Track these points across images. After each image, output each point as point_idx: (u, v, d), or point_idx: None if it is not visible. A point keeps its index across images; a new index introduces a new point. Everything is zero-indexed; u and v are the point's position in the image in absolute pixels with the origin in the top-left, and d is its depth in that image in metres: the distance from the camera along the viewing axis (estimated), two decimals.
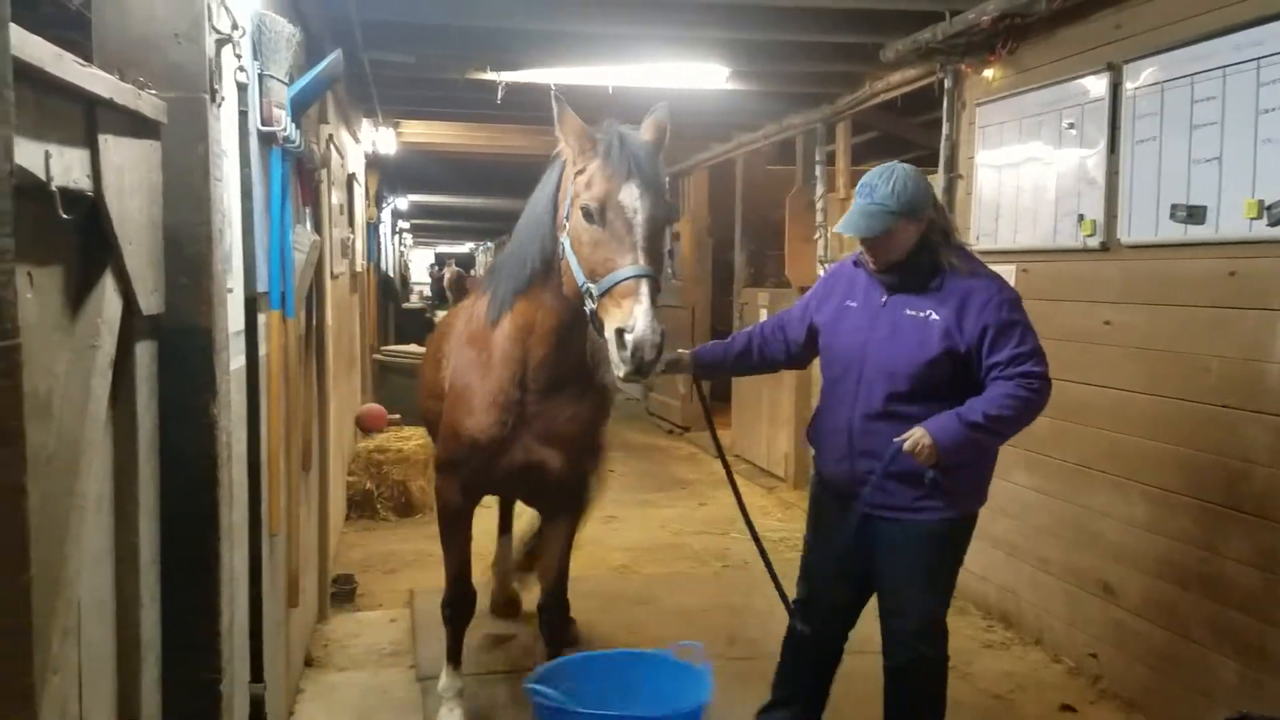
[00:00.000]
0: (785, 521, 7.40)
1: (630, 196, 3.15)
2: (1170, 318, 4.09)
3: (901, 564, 3.35)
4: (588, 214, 3.18)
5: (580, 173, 3.29)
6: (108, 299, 2.05)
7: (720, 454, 4.06)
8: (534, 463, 3.73)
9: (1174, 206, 4.01)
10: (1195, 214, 3.90)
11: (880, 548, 3.38)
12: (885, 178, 3.21)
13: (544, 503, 4.17)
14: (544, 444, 3.70)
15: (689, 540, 6.95)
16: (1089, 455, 4.56)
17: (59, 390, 1.89)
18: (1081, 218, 4.56)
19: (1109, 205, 4.41)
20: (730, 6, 5.39)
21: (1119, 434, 4.37)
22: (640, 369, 3.00)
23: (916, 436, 3.14)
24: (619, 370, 3.06)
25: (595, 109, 7.70)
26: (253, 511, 3.05)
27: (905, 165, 3.28)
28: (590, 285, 3.16)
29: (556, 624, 4.09)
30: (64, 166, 1.81)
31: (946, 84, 5.74)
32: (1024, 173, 5.03)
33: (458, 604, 4.13)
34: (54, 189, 1.76)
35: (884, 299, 3.32)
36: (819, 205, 7.79)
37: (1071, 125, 4.66)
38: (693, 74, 6.58)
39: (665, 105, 3.52)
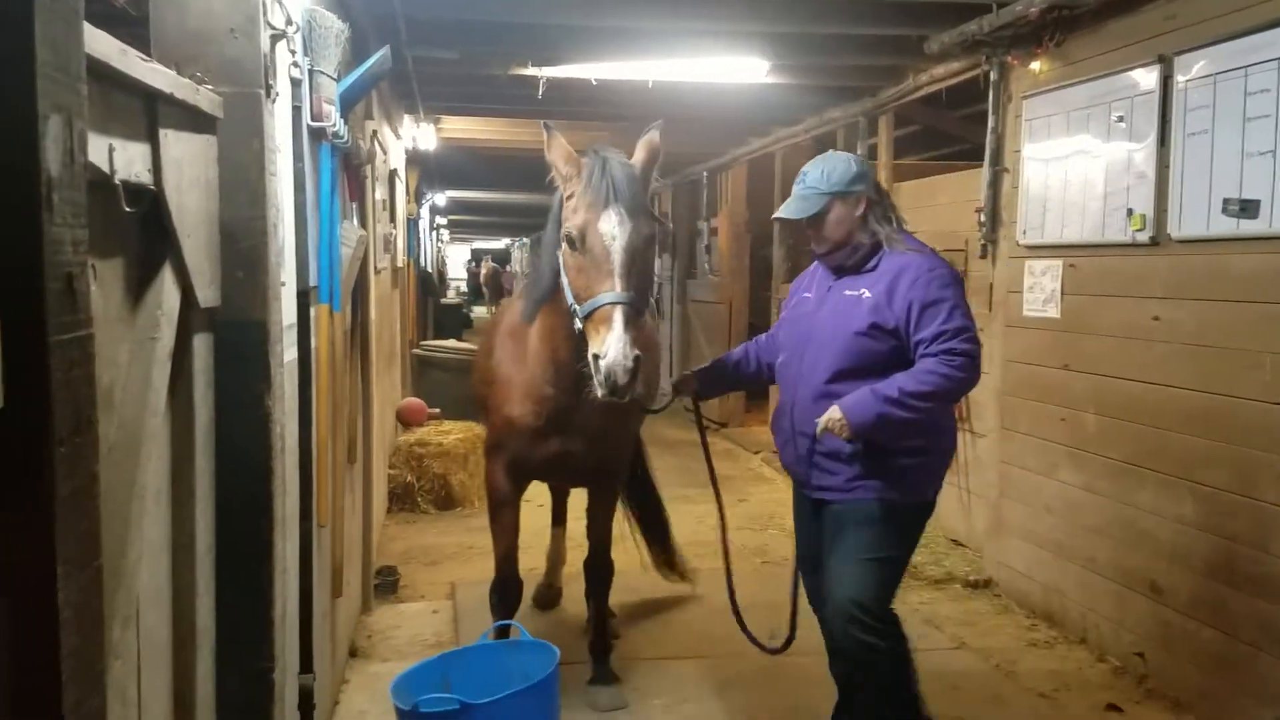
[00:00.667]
0: None
1: (608, 224, 3.30)
2: (1222, 314, 4.02)
3: (837, 544, 3.35)
4: (570, 240, 3.38)
5: (569, 198, 3.47)
6: (167, 291, 2.08)
7: (709, 463, 4.27)
8: (569, 452, 3.98)
9: (1226, 201, 3.95)
10: (1248, 208, 3.84)
11: (824, 530, 3.42)
12: (817, 164, 3.42)
13: (583, 485, 4.54)
14: (576, 436, 3.94)
15: (729, 535, 6.93)
16: (1138, 453, 4.50)
17: (120, 381, 1.92)
18: (1130, 212, 4.50)
19: (1159, 199, 4.35)
20: (772, 0, 5.37)
21: (1168, 431, 4.31)
22: (614, 392, 3.19)
23: (829, 411, 3.20)
24: (598, 392, 3.25)
25: (635, 104, 7.74)
26: (303, 503, 3.09)
27: (840, 152, 3.48)
28: (576, 307, 3.38)
29: (601, 575, 4.47)
30: (126, 160, 1.84)
31: (992, 76, 5.68)
32: (1071, 166, 4.97)
33: (503, 588, 4.26)
34: (117, 182, 1.79)
35: (830, 284, 3.44)
36: None
37: (1121, 118, 4.60)
38: (732, 68, 6.56)
39: (660, 124, 3.64)
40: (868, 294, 3.27)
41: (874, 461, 3.24)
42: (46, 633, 1.13)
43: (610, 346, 3.16)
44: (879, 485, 3.27)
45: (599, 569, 4.48)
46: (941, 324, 3.14)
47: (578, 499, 4.96)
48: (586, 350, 3.29)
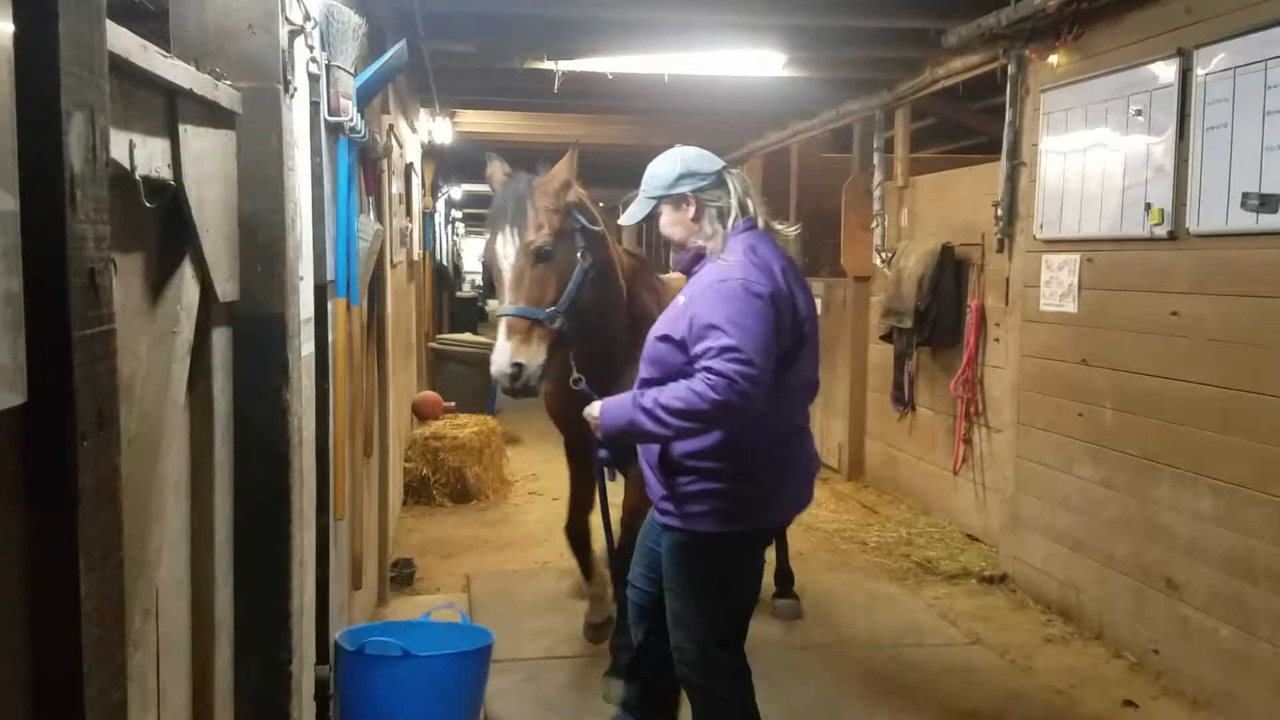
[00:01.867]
0: (838, 513, 7.36)
1: (498, 246, 3.72)
2: (1241, 308, 4.00)
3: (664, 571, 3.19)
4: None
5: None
6: (186, 285, 2.10)
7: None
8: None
9: (1245, 195, 3.92)
10: (1268, 202, 3.81)
11: None
12: (652, 164, 3.23)
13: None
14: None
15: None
16: (1156, 448, 4.48)
17: (140, 374, 1.94)
18: (1149, 206, 4.48)
19: (1178, 193, 4.32)
20: None
21: (1187, 426, 4.29)
22: (509, 392, 3.70)
23: (588, 408, 3.13)
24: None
25: (651, 97, 7.74)
26: (321, 495, 3.11)
27: (677, 150, 3.21)
28: None
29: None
30: (147, 155, 1.85)
31: (1010, 70, 5.66)
32: (1090, 160, 4.94)
33: (569, 532, 4.70)
34: (138, 178, 1.80)
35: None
36: (876, 193, 7.72)
37: (1139, 112, 4.57)
38: (749, 61, 6.54)
39: (576, 147, 3.85)
40: (682, 301, 3.07)
41: (668, 482, 3.04)
42: (69, 623, 1.14)
43: (494, 353, 3.63)
44: (672, 510, 3.06)
45: (628, 550, 4.40)
46: (709, 341, 2.84)
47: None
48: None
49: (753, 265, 2.95)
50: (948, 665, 4.64)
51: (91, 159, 1.20)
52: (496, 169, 3.92)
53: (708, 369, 2.81)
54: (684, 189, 3.11)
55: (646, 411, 2.89)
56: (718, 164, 3.18)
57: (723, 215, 3.10)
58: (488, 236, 3.77)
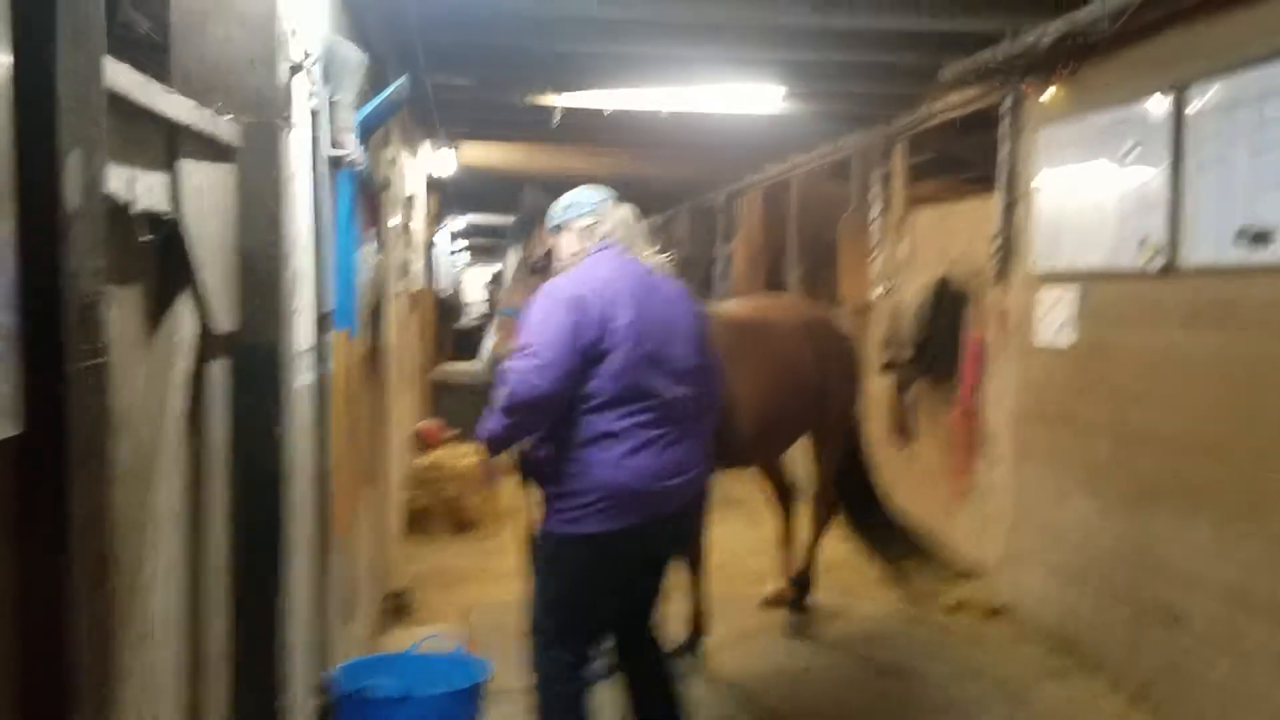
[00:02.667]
0: (840, 542, 7.32)
1: (507, 257, 4.22)
2: (1237, 341, 4.02)
3: None
4: None
5: None
6: (184, 317, 2.13)
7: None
8: None
9: (1240, 229, 3.95)
10: (1262, 237, 3.84)
11: None
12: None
13: None
14: None
15: (745, 560, 6.92)
16: (1153, 480, 4.48)
17: (137, 405, 1.96)
18: (1144, 240, 4.50)
19: (1172, 228, 4.35)
20: (785, 28, 5.41)
21: (1183, 459, 4.30)
22: (487, 383, 3.83)
23: None
24: None
25: (651, 130, 7.80)
26: (317, 525, 3.11)
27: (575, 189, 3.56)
28: None
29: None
30: (146, 189, 1.88)
31: (1006, 105, 5.71)
32: (1085, 194, 4.98)
33: None
34: (137, 212, 1.83)
35: None
36: (875, 226, 7.76)
37: (1134, 146, 4.61)
38: (749, 95, 6.60)
39: (533, 188, 4.32)
40: None
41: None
42: (58, 652, 1.15)
43: (481, 347, 4.15)
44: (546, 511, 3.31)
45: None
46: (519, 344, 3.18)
47: None
48: None
49: (575, 276, 3.24)
50: (948, 698, 4.62)
51: (88, 195, 1.23)
52: (527, 194, 4.33)
53: (508, 367, 3.14)
54: (565, 218, 3.49)
55: (490, 408, 3.18)
56: (598, 197, 3.48)
57: (591, 239, 3.41)
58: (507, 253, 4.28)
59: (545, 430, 3.16)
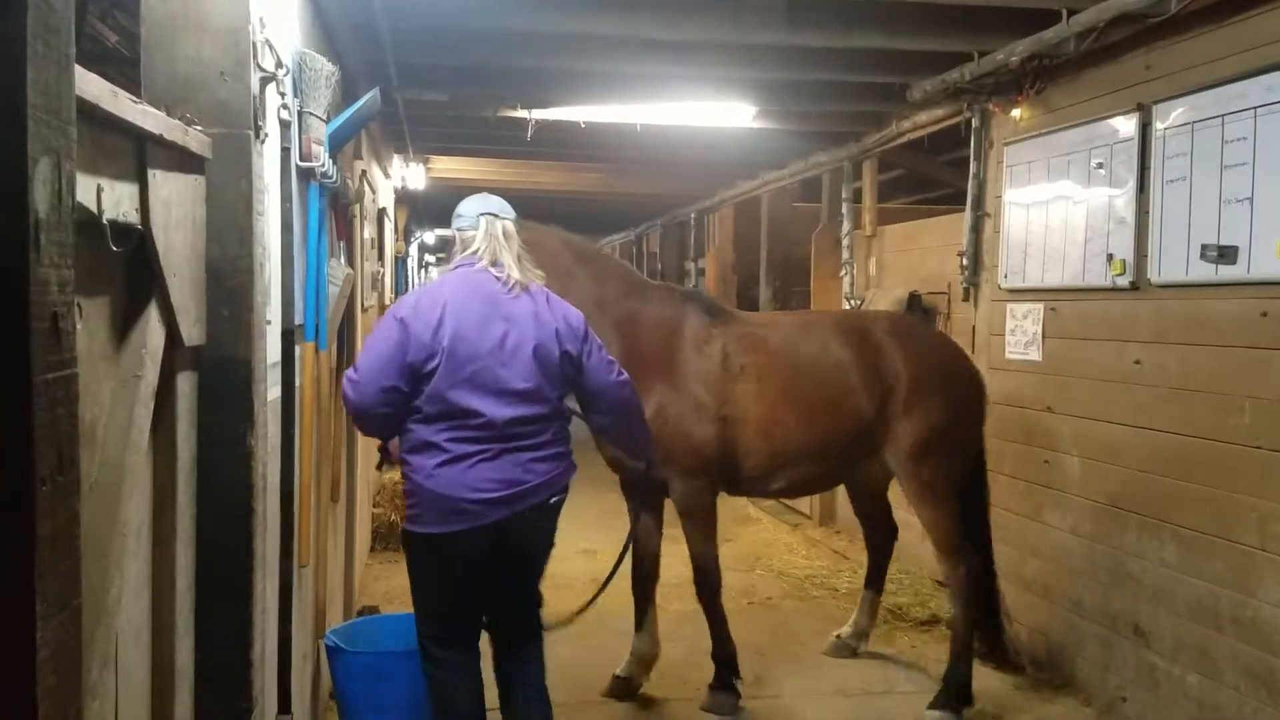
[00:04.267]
0: (810, 559, 7.36)
1: None
2: (1202, 358, 4.06)
3: None
4: None
5: None
6: (152, 330, 2.09)
7: None
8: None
9: (1205, 246, 4.00)
10: (1226, 254, 3.89)
11: None
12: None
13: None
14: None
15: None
16: (1121, 496, 4.52)
17: (103, 419, 1.92)
18: (1111, 257, 4.56)
19: (1139, 245, 4.41)
20: (757, 47, 5.44)
21: (1151, 474, 4.34)
22: None
23: None
24: None
25: (623, 146, 7.81)
26: (285, 542, 3.07)
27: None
28: None
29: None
30: (115, 200, 1.85)
31: (974, 124, 5.76)
32: (1052, 212, 5.03)
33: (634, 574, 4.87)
34: (105, 222, 1.80)
35: None
36: (845, 242, 7.81)
37: (1100, 165, 4.67)
38: (720, 113, 6.63)
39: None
40: None
41: None
42: (24, 672, 1.12)
43: None
44: None
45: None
46: None
47: None
48: None
49: (418, 294, 3.41)
50: (918, 714, 4.62)
51: (57, 204, 1.21)
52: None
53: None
54: (454, 226, 3.59)
55: None
56: (477, 209, 3.54)
57: (462, 250, 3.52)
58: None
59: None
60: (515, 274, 3.42)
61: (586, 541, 6.96)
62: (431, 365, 3.21)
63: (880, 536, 5.47)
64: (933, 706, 4.52)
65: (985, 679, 5.01)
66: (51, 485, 1.17)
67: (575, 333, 3.45)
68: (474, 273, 3.42)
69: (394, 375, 3.21)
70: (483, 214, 3.52)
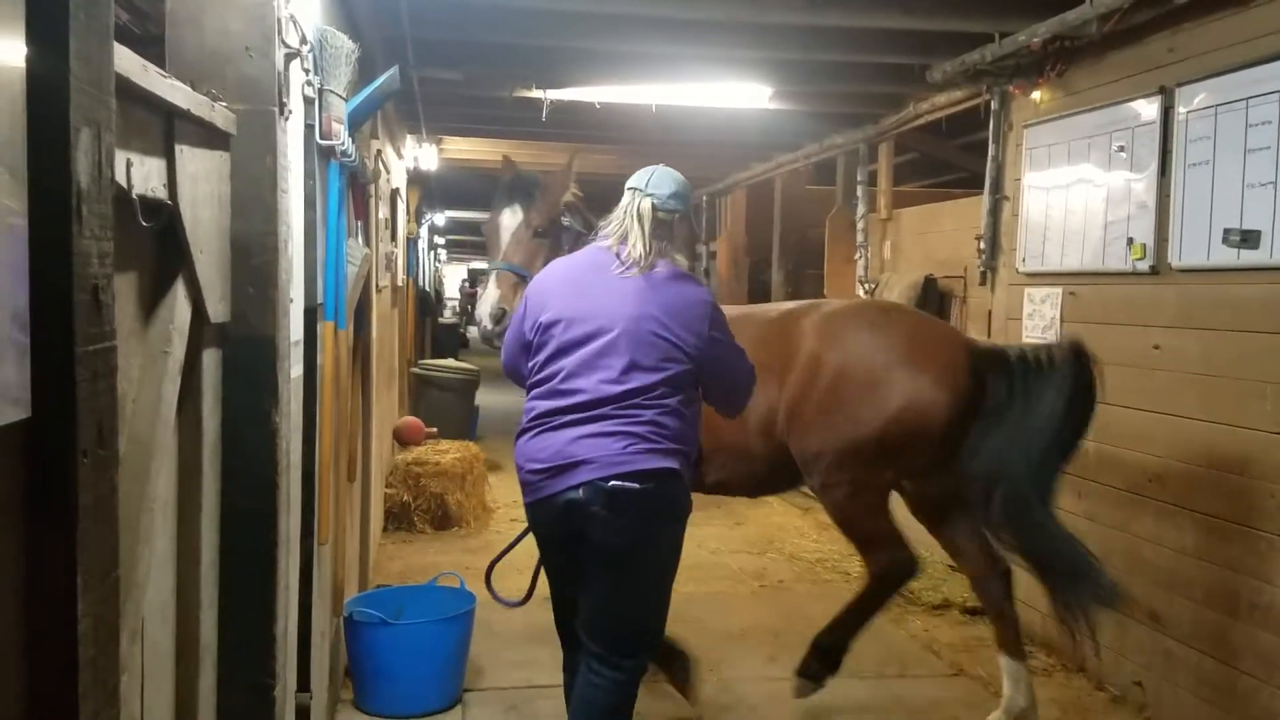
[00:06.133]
0: (821, 543, 7.35)
1: (503, 218, 4.52)
2: (1224, 343, 4.04)
3: None
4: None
5: None
6: (179, 306, 2.09)
7: None
8: None
9: (1227, 231, 3.97)
10: (1249, 238, 3.87)
11: None
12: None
13: None
14: None
15: (726, 559, 6.93)
16: (1139, 481, 4.51)
17: (132, 394, 1.92)
18: (1131, 241, 4.53)
19: (1160, 229, 4.38)
20: (775, 27, 5.41)
21: (1169, 460, 4.32)
22: (484, 337, 4.46)
23: None
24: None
25: (638, 127, 7.78)
26: (306, 519, 3.08)
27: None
28: None
29: None
30: (144, 175, 1.85)
31: (994, 106, 5.73)
32: (1072, 195, 5.00)
33: None
34: (134, 197, 1.80)
35: None
36: (860, 225, 7.78)
37: (1122, 148, 4.64)
38: (736, 94, 6.60)
39: (580, 149, 4.87)
40: None
41: None
42: (66, 643, 1.13)
43: (480, 301, 4.52)
44: None
45: None
46: None
47: None
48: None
49: (548, 267, 3.53)
50: (931, 697, 4.63)
51: (97, 175, 1.20)
52: (510, 164, 4.77)
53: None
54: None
55: None
56: (631, 182, 3.40)
57: (606, 224, 3.44)
58: (492, 212, 4.56)
59: None
60: (639, 253, 3.23)
61: None
62: (535, 337, 3.25)
63: (984, 578, 4.39)
64: (799, 673, 4.33)
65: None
66: (93, 458, 1.18)
67: (685, 319, 3.19)
68: (597, 249, 3.35)
69: (520, 344, 3.34)
70: (630, 187, 3.37)
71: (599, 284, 3.23)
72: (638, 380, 3.12)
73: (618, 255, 3.26)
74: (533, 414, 3.21)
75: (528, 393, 3.29)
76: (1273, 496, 3.78)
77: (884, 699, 4.63)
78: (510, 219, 4.49)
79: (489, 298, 4.41)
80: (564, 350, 3.18)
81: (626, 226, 3.30)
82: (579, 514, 3.09)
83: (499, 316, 4.33)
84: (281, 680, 2.65)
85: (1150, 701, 4.40)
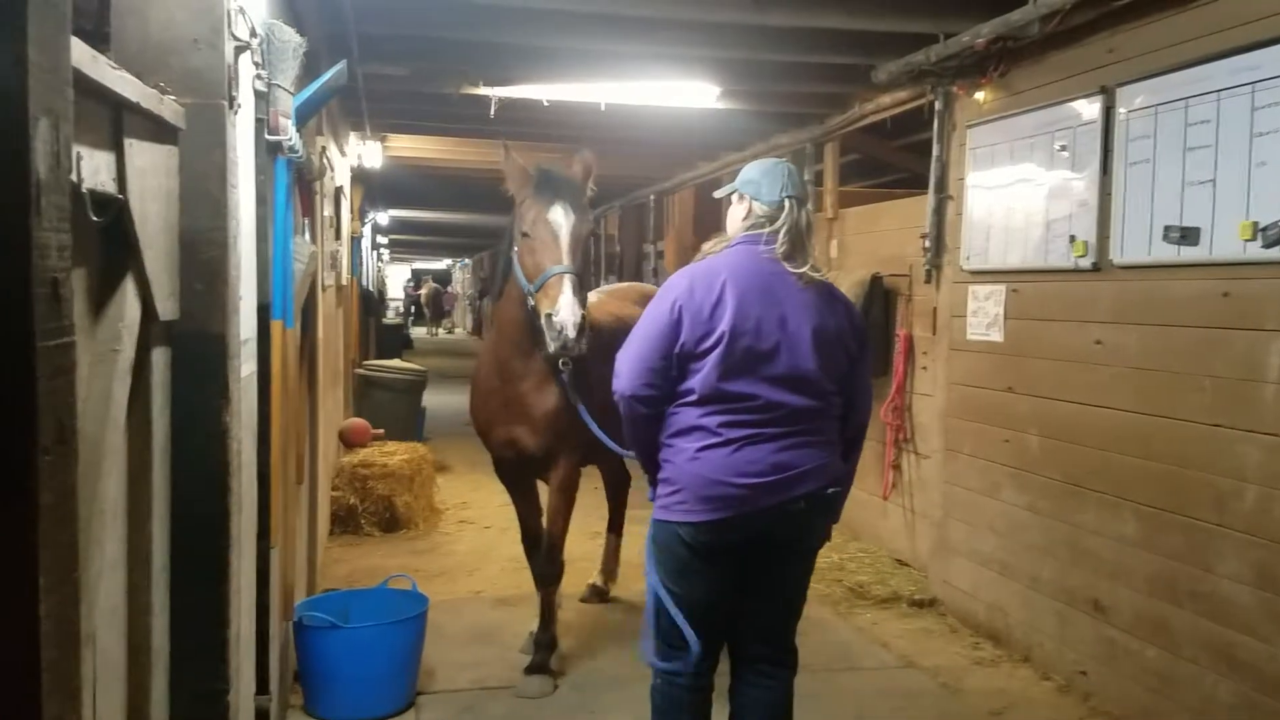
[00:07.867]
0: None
1: (555, 215, 4.20)
2: (1163, 338, 4.14)
3: None
4: (524, 233, 4.25)
5: (521, 204, 4.32)
6: (128, 303, 2.04)
7: None
8: (512, 438, 4.61)
9: (1167, 228, 4.07)
10: (1189, 235, 3.96)
11: None
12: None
13: (538, 475, 4.89)
14: (517, 423, 4.57)
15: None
16: (1080, 474, 4.60)
17: (81, 394, 1.87)
18: (1073, 238, 4.62)
19: (1101, 226, 4.47)
20: (722, 26, 5.43)
21: (1110, 452, 4.41)
22: (565, 345, 4.01)
23: None
24: (550, 347, 4.07)
25: (586, 125, 7.77)
26: (260, 521, 3.03)
27: (778, 163, 3.40)
28: (529, 286, 4.20)
29: (543, 568, 4.78)
30: (93, 169, 1.80)
31: (937, 106, 5.81)
32: (1015, 194, 5.09)
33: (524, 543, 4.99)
34: (84, 191, 1.75)
35: None
36: None
37: (1064, 147, 4.72)
38: (683, 93, 6.62)
39: (589, 151, 4.61)
40: None
41: None
42: (28, 645, 1.10)
43: (561, 305, 3.98)
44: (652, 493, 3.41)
45: (546, 556, 4.76)
46: None
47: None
48: (538, 317, 4.11)
49: (692, 271, 3.17)
50: (880, 689, 4.68)
51: (55, 166, 1.17)
52: (516, 159, 4.46)
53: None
54: (740, 190, 3.30)
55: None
56: (784, 188, 3.21)
57: (750, 225, 3.23)
58: (541, 204, 4.21)
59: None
60: (808, 265, 3.18)
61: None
62: (706, 345, 3.02)
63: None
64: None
65: (944, 654, 5.09)
66: (53, 455, 1.14)
67: (859, 331, 3.26)
68: (764, 258, 3.15)
69: (663, 356, 3.06)
70: (789, 196, 3.19)
71: (778, 293, 3.11)
72: (828, 391, 3.17)
73: (786, 263, 3.15)
74: (719, 427, 3.04)
75: (674, 402, 3.10)
76: (1210, 487, 3.88)
77: (833, 691, 4.67)
78: (563, 217, 4.17)
79: (570, 305, 3.97)
80: (755, 361, 3.05)
81: (795, 243, 3.18)
82: (791, 522, 3.12)
83: (584, 329, 4.01)
84: (235, 685, 2.60)
85: (1095, 690, 4.49)
